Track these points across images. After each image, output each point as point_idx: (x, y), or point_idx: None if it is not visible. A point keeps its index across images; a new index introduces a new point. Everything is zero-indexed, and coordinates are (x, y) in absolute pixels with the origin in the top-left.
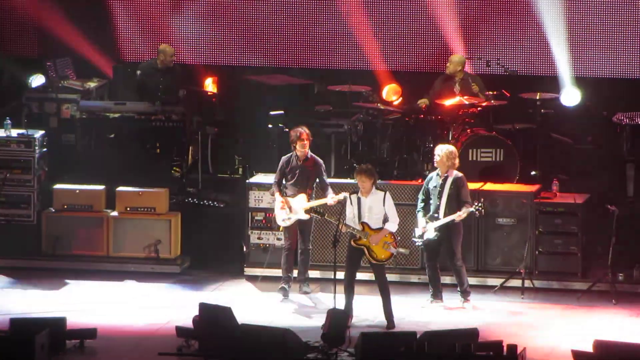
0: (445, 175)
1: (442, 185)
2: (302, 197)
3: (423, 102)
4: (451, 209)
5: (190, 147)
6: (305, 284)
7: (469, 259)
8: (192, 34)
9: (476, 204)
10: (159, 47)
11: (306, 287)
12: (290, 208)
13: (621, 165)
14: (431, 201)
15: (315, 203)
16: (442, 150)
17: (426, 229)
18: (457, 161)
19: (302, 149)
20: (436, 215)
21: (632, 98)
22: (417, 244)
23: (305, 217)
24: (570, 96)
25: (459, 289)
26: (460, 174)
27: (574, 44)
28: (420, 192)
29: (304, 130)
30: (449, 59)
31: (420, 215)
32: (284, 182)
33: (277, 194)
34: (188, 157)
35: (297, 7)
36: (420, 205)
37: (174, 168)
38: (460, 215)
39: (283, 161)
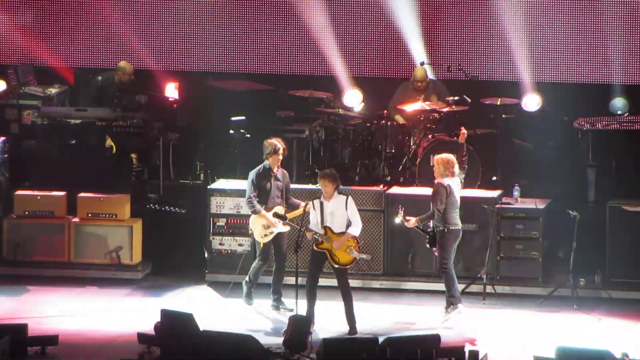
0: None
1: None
2: (279, 209)
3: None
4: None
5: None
6: (282, 300)
7: (430, 264)
8: (153, 39)
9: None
10: (118, 63)
11: (284, 305)
12: (270, 223)
13: (582, 171)
14: None
15: (292, 215)
16: (435, 159)
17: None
18: (453, 170)
19: (278, 162)
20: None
21: (592, 103)
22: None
23: (285, 229)
24: (532, 101)
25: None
26: (439, 181)
27: (534, 49)
28: None
29: (282, 144)
30: (418, 79)
31: None
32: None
33: (263, 211)
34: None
35: (259, 14)
36: None
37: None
38: (410, 220)
39: (257, 175)
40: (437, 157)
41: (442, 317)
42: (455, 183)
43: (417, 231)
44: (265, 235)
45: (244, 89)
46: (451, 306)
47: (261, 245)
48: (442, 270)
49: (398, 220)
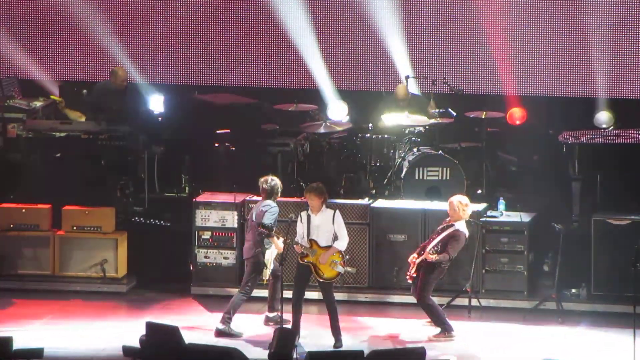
0: (452, 223)
1: (443, 229)
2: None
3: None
4: (436, 252)
5: None
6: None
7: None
8: (139, 52)
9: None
10: (112, 68)
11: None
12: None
13: (567, 184)
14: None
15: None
16: (453, 200)
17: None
18: (465, 214)
19: None
20: (421, 252)
21: (578, 117)
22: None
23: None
24: (516, 115)
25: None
26: (463, 230)
27: (519, 63)
28: None
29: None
30: (398, 95)
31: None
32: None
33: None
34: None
35: (245, 25)
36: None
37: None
38: (429, 256)
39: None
40: (457, 199)
41: (430, 334)
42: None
43: (405, 242)
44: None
45: (229, 102)
46: (445, 332)
47: (265, 282)
48: (423, 304)
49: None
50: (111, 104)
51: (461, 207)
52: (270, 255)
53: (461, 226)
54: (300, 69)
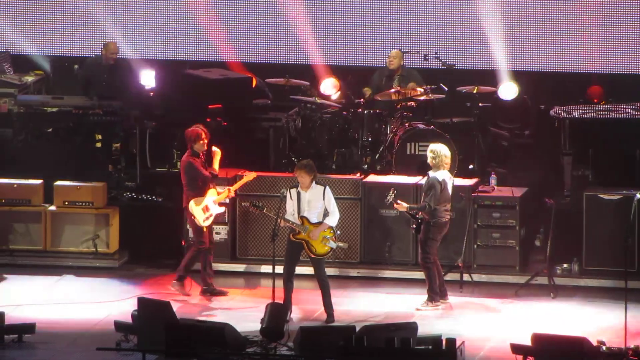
0: (429, 172)
1: (426, 182)
2: (212, 191)
3: (367, 90)
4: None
5: None
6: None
7: (407, 253)
8: (131, 27)
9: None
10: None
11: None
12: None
13: (559, 159)
14: None
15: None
16: (430, 149)
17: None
18: (439, 161)
19: (204, 147)
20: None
21: (569, 92)
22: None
23: (221, 209)
24: (508, 90)
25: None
26: (434, 175)
27: (511, 37)
28: None
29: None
30: (391, 56)
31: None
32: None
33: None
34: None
35: (236, 2)
36: None
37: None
38: (401, 205)
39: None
40: (433, 147)
41: (419, 305)
42: (448, 176)
43: (397, 218)
44: (206, 218)
45: (221, 77)
46: (431, 302)
47: (204, 229)
48: (423, 264)
49: (389, 199)
50: (102, 79)
51: (434, 155)
52: (192, 206)
53: (435, 174)
54: (292, 44)
